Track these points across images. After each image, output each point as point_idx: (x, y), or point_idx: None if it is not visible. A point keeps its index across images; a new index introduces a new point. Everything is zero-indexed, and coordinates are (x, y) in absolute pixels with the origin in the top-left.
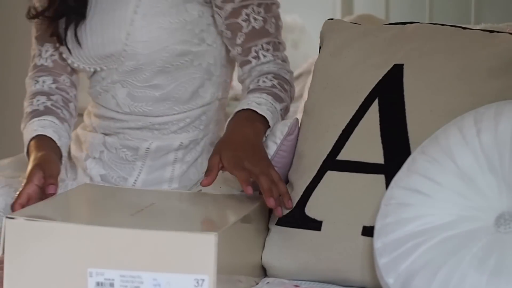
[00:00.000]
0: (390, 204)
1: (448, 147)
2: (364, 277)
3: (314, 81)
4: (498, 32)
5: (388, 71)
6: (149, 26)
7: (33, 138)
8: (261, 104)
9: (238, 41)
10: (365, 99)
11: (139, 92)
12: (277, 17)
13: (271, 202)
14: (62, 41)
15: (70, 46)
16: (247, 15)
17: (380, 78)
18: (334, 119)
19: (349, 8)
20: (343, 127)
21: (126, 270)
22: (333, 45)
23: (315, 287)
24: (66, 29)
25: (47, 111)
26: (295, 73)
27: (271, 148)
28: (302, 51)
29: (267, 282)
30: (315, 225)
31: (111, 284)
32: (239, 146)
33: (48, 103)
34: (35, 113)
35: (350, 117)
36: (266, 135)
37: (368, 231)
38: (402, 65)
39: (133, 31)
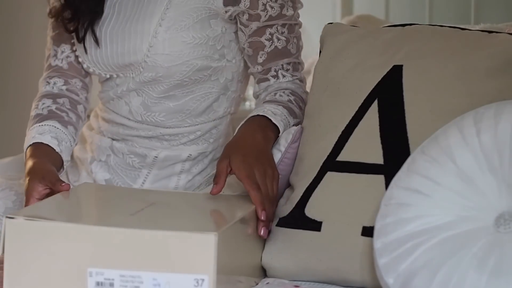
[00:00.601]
0: (390, 204)
1: (448, 147)
2: (364, 278)
3: (314, 84)
4: (497, 32)
5: (387, 72)
6: (172, 39)
7: (30, 146)
8: (277, 114)
9: (260, 59)
10: (365, 100)
11: (154, 102)
12: (299, 38)
13: (264, 232)
14: (80, 39)
15: (87, 46)
16: (271, 34)
17: (380, 79)
18: (334, 121)
19: (349, 9)
20: (343, 128)
21: (126, 270)
22: (332, 48)
23: (315, 287)
24: (86, 28)
25: (49, 116)
26: None
27: (276, 156)
28: (302, 51)
29: (267, 283)
30: (315, 225)
31: (111, 284)
32: (248, 151)
33: (53, 107)
34: (38, 118)
35: (350, 118)
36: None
37: (368, 232)
38: (401, 66)
39: (156, 43)
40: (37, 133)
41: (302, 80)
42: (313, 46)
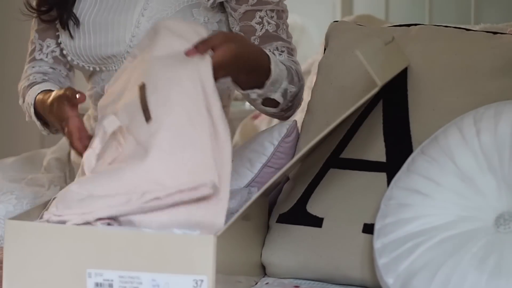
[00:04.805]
0: (390, 205)
1: (447, 147)
2: (364, 275)
3: (318, 80)
4: (501, 33)
5: None
6: None
7: (39, 93)
8: (278, 64)
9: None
10: (370, 99)
11: None
12: (287, 26)
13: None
14: (64, 25)
15: (73, 35)
16: (261, 18)
17: None
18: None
19: (349, 9)
20: (348, 127)
21: (125, 270)
22: (338, 46)
23: (315, 287)
24: (68, 15)
25: (46, 81)
26: None
27: (268, 149)
28: (302, 51)
29: (267, 283)
30: (316, 222)
31: (110, 285)
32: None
33: (46, 77)
34: (34, 83)
35: (356, 117)
36: (267, 82)
37: (369, 229)
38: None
39: (138, 33)
40: (44, 87)
41: (298, 63)
42: (313, 46)
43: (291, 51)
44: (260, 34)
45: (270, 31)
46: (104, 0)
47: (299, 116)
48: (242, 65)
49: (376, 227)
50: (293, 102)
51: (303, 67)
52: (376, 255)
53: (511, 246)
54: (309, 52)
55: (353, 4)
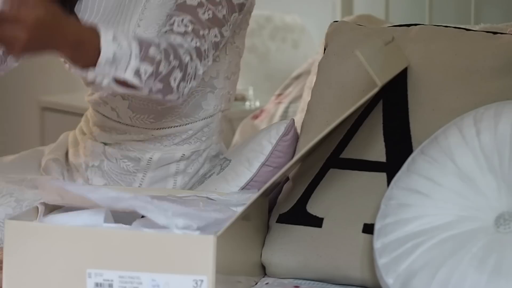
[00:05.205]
0: (390, 205)
1: (447, 147)
2: (364, 275)
3: (318, 80)
4: (501, 33)
5: None
6: None
7: None
8: (116, 38)
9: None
10: (370, 99)
11: (140, 104)
12: (223, 21)
13: None
14: None
15: None
16: None
17: None
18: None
19: (349, 8)
20: (348, 126)
21: (125, 271)
22: (337, 46)
23: (315, 287)
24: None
25: None
26: (295, 73)
27: (266, 148)
28: (302, 51)
29: (267, 283)
30: (316, 222)
31: (110, 285)
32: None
33: None
34: None
35: (356, 116)
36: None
37: (369, 229)
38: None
39: None
40: None
41: (192, 46)
42: (313, 46)
43: (198, 34)
44: (178, 2)
45: (188, 3)
46: (101, 11)
47: (299, 116)
48: (53, 34)
49: (376, 227)
50: (165, 82)
51: (303, 67)
52: (376, 255)
53: (511, 246)
54: (309, 52)
55: (353, 4)
